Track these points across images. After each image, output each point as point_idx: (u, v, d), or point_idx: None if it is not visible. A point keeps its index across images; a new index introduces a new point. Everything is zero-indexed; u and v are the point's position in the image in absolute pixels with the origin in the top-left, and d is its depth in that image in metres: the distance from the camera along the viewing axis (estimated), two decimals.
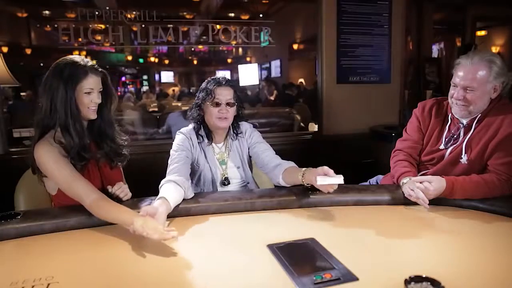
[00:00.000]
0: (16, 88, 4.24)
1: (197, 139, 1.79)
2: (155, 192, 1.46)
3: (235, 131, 1.86)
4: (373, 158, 2.97)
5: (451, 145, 1.67)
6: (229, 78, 1.88)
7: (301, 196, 1.56)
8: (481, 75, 1.55)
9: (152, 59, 7.62)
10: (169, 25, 3.28)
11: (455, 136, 1.68)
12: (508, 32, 6.24)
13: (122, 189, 1.52)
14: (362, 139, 3.15)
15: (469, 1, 5.22)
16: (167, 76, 8.58)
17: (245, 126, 1.90)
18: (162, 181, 1.51)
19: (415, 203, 1.51)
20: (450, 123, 1.71)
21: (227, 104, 1.74)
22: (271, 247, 1.16)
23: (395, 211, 1.52)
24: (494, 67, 1.55)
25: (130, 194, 1.55)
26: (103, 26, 3.18)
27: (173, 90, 8.09)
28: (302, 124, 4.10)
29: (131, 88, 8.51)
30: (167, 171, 1.64)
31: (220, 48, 6.19)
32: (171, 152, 1.73)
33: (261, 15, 4.72)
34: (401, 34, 3.27)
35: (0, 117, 2.59)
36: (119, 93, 7.49)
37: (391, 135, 2.84)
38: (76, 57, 1.44)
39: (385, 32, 3.22)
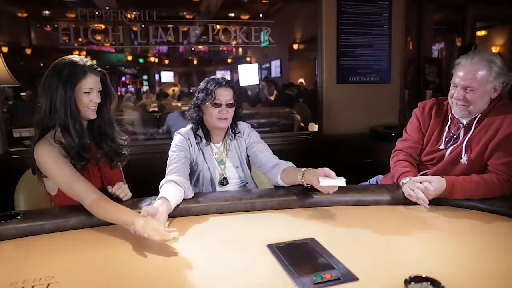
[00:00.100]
0: (16, 88, 4.24)
1: (195, 139, 1.79)
2: (155, 192, 1.46)
3: (233, 131, 1.86)
4: (373, 158, 2.97)
5: (451, 145, 1.67)
6: (229, 78, 1.88)
7: (301, 196, 1.56)
8: (481, 75, 1.55)
9: (152, 59, 7.62)
10: (169, 25, 3.28)
11: (455, 136, 1.68)
12: (508, 32, 6.24)
13: (122, 189, 1.52)
14: (362, 139, 3.15)
15: (469, 1, 5.22)
16: (167, 76, 8.59)
17: (243, 126, 1.90)
18: (162, 181, 1.52)
19: (415, 203, 1.51)
20: (450, 123, 1.71)
21: (227, 104, 1.75)
22: (271, 247, 1.16)
23: (395, 211, 1.52)
24: (494, 67, 1.55)
25: (130, 194, 1.55)
26: (103, 26, 3.18)
27: (173, 90, 8.10)
28: (302, 124, 4.10)
29: (131, 88, 8.51)
30: (166, 172, 1.64)
31: (220, 48, 6.19)
32: (170, 152, 1.73)
33: (261, 15, 4.72)
34: (401, 34, 3.28)
35: (0, 117, 2.59)
36: (119, 93, 7.49)
37: (391, 135, 2.84)
38: (75, 57, 1.44)
39: (385, 32, 3.22)
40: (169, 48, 6.59)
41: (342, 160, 2.74)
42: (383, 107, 3.27)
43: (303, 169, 1.55)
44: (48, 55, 3.96)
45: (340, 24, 3.10)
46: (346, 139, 3.13)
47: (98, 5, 3.18)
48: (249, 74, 4.28)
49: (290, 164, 1.70)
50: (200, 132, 1.81)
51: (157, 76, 8.55)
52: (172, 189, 1.45)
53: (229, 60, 7.29)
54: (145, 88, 8.41)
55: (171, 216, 1.40)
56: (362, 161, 2.93)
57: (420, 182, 1.51)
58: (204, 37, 3.77)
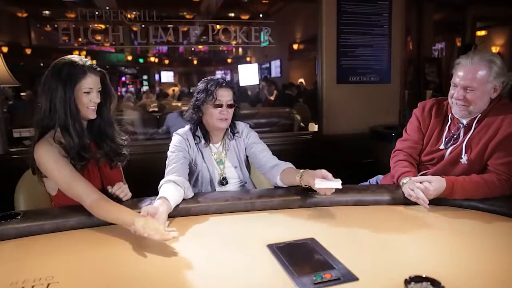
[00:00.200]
0: (16, 88, 4.24)
1: (194, 140, 1.79)
2: (155, 192, 1.46)
3: (232, 131, 1.86)
4: (373, 158, 2.97)
5: (451, 145, 1.67)
6: (229, 78, 1.88)
7: (301, 196, 1.56)
8: (481, 75, 1.55)
9: (152, 59, 7.62)
10: (169, 25, 3.28)
11: (455, 136, 1.68)
12: (508, 32, 6.24)
13: (122, 189, 1.52)
14: (362, 139, 3.16)
15: (469, 1, 5.22)
16: (167, 76, 8.59)
17: (241, 126, 1.90)
18: (162, 181, 1.52)
19: (415, 203, 1.51)
20: (450, 123, 1.71)
21: (228, 105, 1.75)
22: (271, 247, 1.16)
23: (395, 211, 1.52)
24: (494, 67, 1.55)
25: (130, 194, 1.55)
26: (103, 26, 3.18)
27: (173, 90, 8.10)
28: (302, 124, 4.10)
29: (131, 88, 8.51)
30: (166, 172, 1.64)
31: (220, 48, 6.19)
32: (168, 153, 1.73)
33: (261, 15, 4.72)
34: (401, 34, 3.28)
35: (0, 117, 2.59)
36: (119, 93, 7.49)
37: (391, 135, 2.84)
38: (74, 56, 1.44)
39: (385, 32, 3.22)
40: (169, 48, 6.59)
41: (342, 160, 2.74)
42: (383, 107, 3.27)
43: (301, 170, 1.56)
44: (48, 55, 3.96)
45: (340, 24, 3.10)
46: (346, 139, 3.13)
47: (98, 5, 3.17)
48: (249, 74, 4.28)
49: (289, 164, 1.70)
50: (199, 133, 1.81)
51: (157, 76, 8.55)
52: (172, 189, 1.45)
53: (229, 60, 7.29)
54: (145, 88, 8.41)
55: (171, 216, 1.40)
56: (362, 161, 2.93)
57: (420, 182, 1.51)
58: (204, 37, 3.77)
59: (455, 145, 1.66)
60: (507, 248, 1.18)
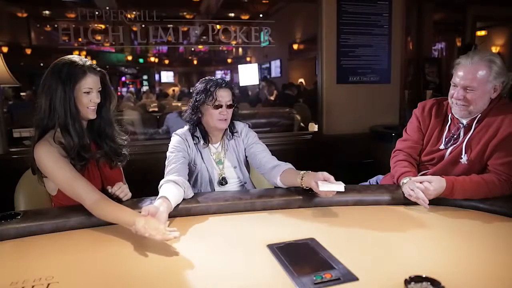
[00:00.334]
0: (16, 88, 4.24)
1: (193, 140, 1.79)
2: (155, 192, 1.46)
3: (231, 130, 1.86)
4: (373, 158, 2.97)
5: (451, 145, 1.67)
6: (229, 78, 1.88)
7: (301, 196, 1.56)
8: (481, 75, 1.55)
9: (152, 59, 7.61)
10: (169, 25, 3.29)
11: (455, 136, 1.68)
12: (508, 32, 6.24)
13: (122, 189, 1.52)
14: (362, 139, 3.16)
15: (469, 1, 5.22)
16: (167, 76, 8.58)
17: (240, 126, 1.90)
18: (161, 181, 1.52)
19: (415, 203, 1.51)
20: (450, 123, 1.71)
21: (228, 105, 1.75)
22: (271, 247, 1.16)
23: (395, 211, 1.52)
24: (494, 67, 1.55)
25: (130, 194, 1.55)
26: (103, 26, 3.18)
27: (173, 90, 8.09)
28: (302, 124, 4.10)
29: (131, 88, 8.50)
30: (165, 172, 1.64)
31: (220, 48, 6.19)
32: (168, 154, 1.73)
33: (261, 15, 4.71)
34: (401, 34, 3.28)
35: (0, 117, 2.59)
36: (119, 93, 7.48)
37: (391, 135, 2.84)
38: (74, 56, 1.44)
39: (385, 32, 3.23)
40: (169, 48, 6.59)
41: (342, 160, 2.75)
42: (383, 107, 3.27)
43: (302, 171, 1.56)
44: (48, 55, 3.96)
45: (340, 24, 3.10)
46: (346, 139, 3.13)
47: (98, 5, 3.18)
48: (249, 74, 4.27)
49: (289, 165, 1.70)
50: (198, 133, 1.81)
51: (157, 76, 8.53)
52: (172, 189, 1.45)
53: (229, 60, 7.28)
54: (145, 88, 8.40)
55: (171, 216, 1.39)
56: (362, 161, 2.93)
57: (420, 182, 1.51)
58: (204, 37, 3.78)
59: (455, 145, 1.66)
60: (507, 248, 1.18)
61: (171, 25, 3.30)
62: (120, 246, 1.21)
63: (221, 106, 1.73)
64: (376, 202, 1.58)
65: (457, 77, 1.60)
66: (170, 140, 1.81)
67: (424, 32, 4.72)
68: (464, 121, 1.66)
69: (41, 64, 4.24)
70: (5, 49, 3.85)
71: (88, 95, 1.43)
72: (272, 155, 1.82)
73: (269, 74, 7.07)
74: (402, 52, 3.33)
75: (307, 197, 1.56)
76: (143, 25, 3.21)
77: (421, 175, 1.67)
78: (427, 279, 0.89)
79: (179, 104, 6.08)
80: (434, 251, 1.18)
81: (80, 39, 3.04)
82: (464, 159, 1.62)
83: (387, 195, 1.59)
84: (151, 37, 3.25)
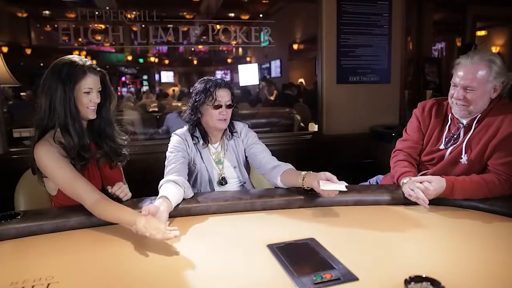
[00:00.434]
0: (16, 88, 4.24)
1: (192, 140, 1.79)
2: (155, 192, 1.46)
3: (230, 130, 1.86)
4: (373, 158, 2.97)
5: (451, 145, 1.67)
6: (229, 78, 1.88)
7: (301, 196, 1.56)
8: (481, 74, 1.55)
9: (152, 59, 7.61)
10: (169, 25, 3.28)
11: (455, 136, 1.67)
12: (508, 32, 6.24)
13: (122, 189, 1.52)
14: (362, 139, 3.16)
15: (469, 1, 5.22)
16: (167, 76, 8.58)
17: (239, 126, 1.90)
18: (161, 181, 1.52)
19: (415, 203, 1.51)
20: (450, 123, 1.71)
21: (227, 106, 1.75)
22: (271, 247, 1.16)
23: (395, 211, 1.52)
24: (494, 67, 1.55)
25: (130, 194, 1.55)
26: (103, 26, 3.18)
27: (173, 90, 8.09)
28: (302, 124, 4.10)
29: (131, 88, 8.50)
30: (165, 172, 1.64)
31: (220, 48, 6.19)
32: (167, 154, 1.73)
33: (261, 15, 4.71)
34: (401, 34, 3.28)
35: (0, 117, 2.59)
36: (119, 93, 7.48)
37: (391, 135, 2.84)
38: (74, 56, 1.44)
39: (385, 32, 3.23)
40: (169, 48, 6.59)
41: (342, 160, 2.75)
42: (383, 107, 3.27)
43: (303, 172, 1.55)
44: (48, 55, 3.96)
45: (340, 24, 3.10)
46: (346, 139, 3.13)
47: (98, 5, 3.18)
48: (249, 74, 4.28)
49: (289, 166, 1.70)
50: (197, 134, 1.81)
51: (157, 76, 8.53)
52: (172, 189, 1.45)
53: (229, 60, 7.28)
54: (145, 88, 8.40)
55: (171, 216, 1.39)
56: (362, 161, 2.93)
57: (420, 182, 1.51)
58: (204, 37, 3.77)
59: (455, 145, 1.66)
60: (507, 248, 1.18)
61: (171, 25, 3.29)
62: (120, 246, 1.21)
63: (220, 106, 1.73)
64: (376, 202, 1.58)
65: (457, 77, 1.60)
66: (170, 140, 1.81)
67: (424, 32, 4.71)
68: (464, 121, 1.66)
69: (41, 64, 4.24)
70: (5, 49, 3.85)
71: (88, 95, 1.43)
72: (272, 155, 1.82)
73: (269, 74, 7.07)
74: (402, 52, 3.33)
75: (307, 197, 1.56)
76: (143, 25, 3.21)
77: (421, 175, 1.67)
78: (427, 279, 0.89)
79: (179, 104, 6.08)
80: (434, 251, 1.18)
81: (80, 39, 3.04)
82: (464, 159, 1.62)
83: (387, 195, 1.59)
84: (151, 37, 3.25)
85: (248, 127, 1.93)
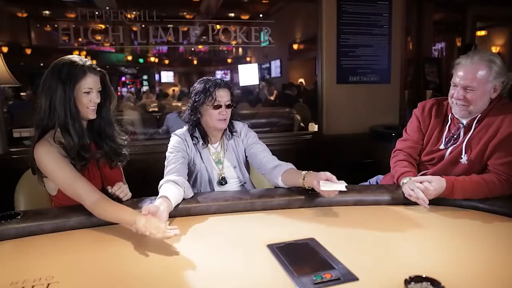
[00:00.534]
0: (16, 88, 4.24)
1: (192, 140, 1.79)
2: (155, 192, 1.47)
3: (230, 130, 1.86)
4: (373, 158, 2.97)
5: (451, 145, 1.67)
6: (229, 78, 1.88)
7: (301, 196, 1.56)
8: (481, 74, 1.55)
9: (152, 59, 7.61)
10: (169, 25, 3.28)
11: (455, 136, 1.67)
12: (508, 32, 6.24)
13: (122, 189, 1.52)
14: (362, 139, 3.16)
15: (469, 1, 5.22)
16: (167, 76, 8.57)
17: (239, 126, 1.90)
18: (161, 181, 1.52)
19: (415, 203, 1.51)
20: (450, 123, 1.71)
21: (227, 105, 1.75)
22: (271, 247, 1.16)
23: (395, 211, 1.52)
24: (494, 67, 1.55)
25: (130, 194, 1.55)
26: (103, 26, 3.18)
27: (173, 90, 8.08)
28: (302, 124, 4.10)
29: (131, 88, 8.50)
30: (165, 172, 1.64)
31: (220, 48, 6.18)
32: (167, 154, 1.73)
33: (261, 15, 4.71)
34: (401, 34, 3.28)
35: (0, 117, 2.59)
36: (119, 93, 7.48)
37: (391, 135, 2.84)
38: (74, 56, 1.44)
39: (385, 32, 3.23)
40: (169, 48, 6.58)
41: (342, 160, 2.75)
42: (383, 107, 3.27)
43: (304, 171, 1.56)
44: (48, 55, 3.96)
45: (340, 24, 3.10)
46: (346, 139, 3.13)
47: (98, 5, 3.17)
48: (249, 74, 4.28)
49: (290, 165, 1.70)
50: (197, 134, 1.81)
51: (157, 76, 8.53)
52: (172, 188, 1.45)
53: (229, 60, 7.28)
54: (145, 88, 8.39)
55: (171, 216, 1.39)
56: (362, 161, 2.93)
57: (420, 182, 1.51)
58: (204, 37, 3.77)
59: (455, 145, 1.66)
60: (507, 248, 1.18)
61: (171, 25, 3.29)
62: (120, 246, 1.21)
63: (220, 106, 1.73)
64: (376, 202, 1.58)
65: (457, 77, 1.60)
66: (170, 140, 1.80)
67: (424, 32, 4.71)
68: (464, 121, 1.66)
69: (41, 64, 4.24)
70: (5, 49, 3.85)
71: (88, 95, 1.43)
72: (272, 155, 1.82)
73: (269, 74, 7.07)
74: (402, 52, 3.33)
75: (307, 197, 1.56)
76: (143, 25, 3.21)
77: (421, 175, 1.67)
78: (427, 279, 0.89)
79: (179, 104, 6.08)
80: (434, 251, 1.18)
81: (80, 39, 3.04)
82: (464, 159, 1.62)
83: (387, 195, 1.59)
84: (151, 37, 3.25)
85: (248, 126, 1.93)
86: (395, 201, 1.57)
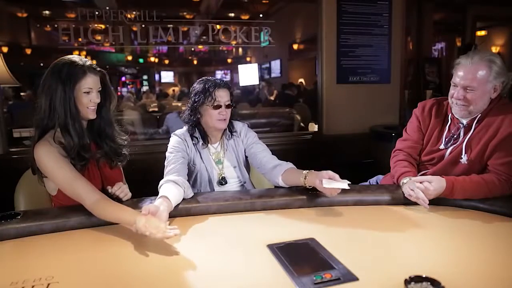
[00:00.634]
0: (16, 88, 4.24)
1: (192, 140, 1.79)
2: (155, 192, 1.47)
3: (230, 130, 1.86)
4: (373, 158, 2.97)
5: (451, 145, 1.67)
6: (229, 78, 1.88)
7: (301, 196, 1.56)
8: (481, 74, 1.55)
9: (152, 59, 7.61)
10: (169, 25, 3.29)
11: (455, 136, 1.67)
12: (508, 32, 6.24)
13: (122, 189, 1.52)
14: (362, 139, 3.16)
15: (469, 1, 5.22)
16: (167, 76, 8.57)
17: (239, 125, 1.90)
18: (161, 182, 1.52)
19: (415, 203, 1.51)
20: (450, 123, 1.71)
21: (226, 105, 1.75)
22: (271, 247, 1.16)
23: (395, 211, 1.52)
24: (494, 67, 1.55)
25: (130, 194, 1.55)
26: (103, 26, 3.18)
27: (173, 90, 8.09)
28: (302, 124, 4.10)
29: (131, 88, 8.50)
30: (165, 172, 1.64)
31: (220, 48, 6.18)
32: (167, 154, 1.73)
33: (261, 15, 4.71)
34: (401, 34, 3.28)
35: (0, 117, 2.59)
36: (119, 93, 7.48)
37: (391, 135, 2.84)
38: (74, 56, 1.44)
39: (385, 32, 3.23)
40: (169, 48, 6.58)
41: (342, 160, 2.74)
42: (383, 107, 3.27)
43: (305, 171, 1.55)
44: (48, 55, 3.96)
45: (340, 24, 3.10)
46: (346, 139, 3.13)
47: (98, 5, 3.18)
48: (249, 74, 4.28)
49: (290, 165, 1.70)
50: (197, 134, 1.81)
51: (157, 76, 8.53)
52: (172, 188, 1.45)
53: (229, 60, 7.28)
54: (145, 88, 8.39)
55: (171, 216, 1.39)
56: (362, 161, 2.93)
57: (420, 182, 1.51)
58: (204, 37, 3.78)
59: (455, 145, 1.66)
60: (507, 248, 1.18)
61: (171, 25, 3.29)
62: (120, 246, 1.21)
63: (220, 106, 1.73)
64: (376, 202, 1.58)
65: (457, 77, 1.60)
66: (169, 140, 1.81)
67: (424, 32, 4.72)
68: (464, 121, 1.66)
69: (41, 64, 4.24)
70: (5, 49, 3.85)
71: (88, 95, 1.43)
72: (272, 155, 1.82)
73: (269, 74, 7.07)
74: (402, 52, 3.33)
75: (307, 197, 1.56)
76: (143, 25, 3.21)
77: (421, 175, 1.67)
78: (427, 279, 0.89)
79: (179, 104, 6.08)
80: (434, 251, 1.18)
81: (80, 39, 3.04)
82: (464, 159, 1.62)
83: (387, 195, 1.59)
84: (151, 37, 3.25)
85: (248, 126, 1.93)
86: (395, 201, 1.57)
